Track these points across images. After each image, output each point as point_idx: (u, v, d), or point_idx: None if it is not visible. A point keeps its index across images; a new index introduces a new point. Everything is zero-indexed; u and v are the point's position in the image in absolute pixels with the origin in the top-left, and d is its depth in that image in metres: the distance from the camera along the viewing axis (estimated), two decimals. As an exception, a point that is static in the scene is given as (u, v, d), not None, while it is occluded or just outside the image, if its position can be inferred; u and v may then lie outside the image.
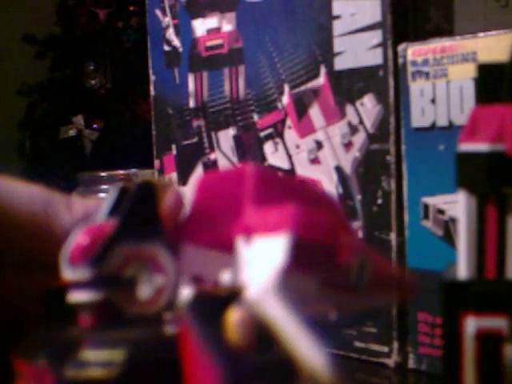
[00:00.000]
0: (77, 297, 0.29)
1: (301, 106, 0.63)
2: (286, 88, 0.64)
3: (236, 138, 0.69)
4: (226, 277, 0.29)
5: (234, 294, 0.28)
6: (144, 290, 0.29)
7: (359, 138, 0.59)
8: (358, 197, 0.60)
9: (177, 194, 0.32)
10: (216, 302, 0.28)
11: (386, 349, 0.58)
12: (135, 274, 0.29)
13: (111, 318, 0.29)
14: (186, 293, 0.30)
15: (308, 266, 0.28)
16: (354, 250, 0.29)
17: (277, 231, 0.27)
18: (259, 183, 0.30)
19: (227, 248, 0.30)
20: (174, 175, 0.75)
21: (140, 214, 0.30)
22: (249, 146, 0.68)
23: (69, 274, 0.29)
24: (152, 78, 0.77)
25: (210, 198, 0.32)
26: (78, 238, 0.29)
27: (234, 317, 0.25)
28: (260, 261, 0.28)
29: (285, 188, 0.31)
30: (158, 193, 0.30)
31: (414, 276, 0.34)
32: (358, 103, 0.59)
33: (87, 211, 0.35)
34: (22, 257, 0.34)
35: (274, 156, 0.66)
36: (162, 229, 0.30)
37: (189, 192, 0.32)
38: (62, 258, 0.29)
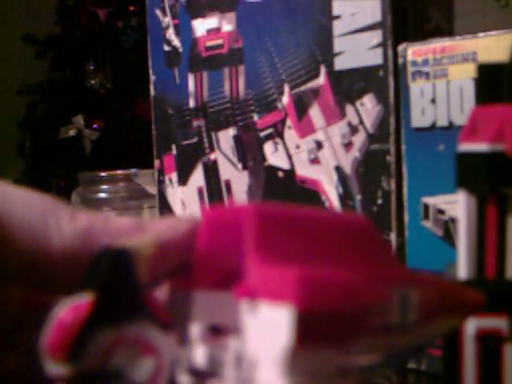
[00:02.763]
0: None
1: (301, 106, 0.63)
2: (286, 88, 0.64)
3: (236, 138, 0.69)
4: (232, 346, 0.26)
5: None
6: (135, 379, 0.26)
7: (359, 138, 0.59)
8: (358, 197, 0.60)
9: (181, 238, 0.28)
10: None
11: (385, 349, 0.58)
12: (122, 361, 0.26)
13: None
14: (200, 352, 0.27)
15: (322, 337, 0.24)
16: (391, 287, 0.26)
17: (280, 299, 0.24)
18: (264, 228, 0.26)
19: (233, 285, 0.27)
20: (173, 175, 0.75)
21: (118, 291, 0.26)
22: (250, 146, 0.68)
23: (49, 368, 0.25)
24: (152, 78, 0.77)
25: (215, 237, 0.28)
26: (54, 324, 0.25)
27: None
28: (265, 335, 0.25)
29: (290, 230, 0.27)
30: (136, 260, 0.26)
31: (478, 291, 0.31)
32: (357, 103, 0.59)
33: (92, 226, 0.31)
34: (12, 267, 0.31)
35: (274, 156, 0.66)
36: (145, 302, 0.26)
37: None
38: (42, 348, 0.26)
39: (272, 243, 0.26)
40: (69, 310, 0.26)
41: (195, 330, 0.27)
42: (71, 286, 0.30)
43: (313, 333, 0.24)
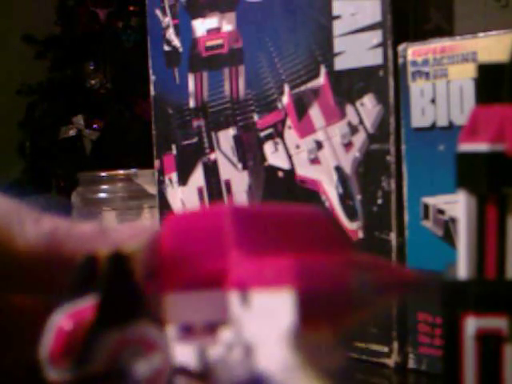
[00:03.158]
0: None
1: (301, 106, 0.63)
2: (286, 88, 0.64)
3: (236, 138, 0.69)
4: (226, 336, 0.27)
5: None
6: (142, 377, 0.26)
7: (359, 138, 0.59)
8: (358, 197, 0.60)
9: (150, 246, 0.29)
10: None
11: (385, 349, 0.58)
12: (128, 361, 0.26)
13: None
14: (184, 352, 0.27)
15: (319, 319, 0.26)
16: (354, 270, 0.28)
17: (277, 286, 0.26)
18: (240, 225, 0.28)
19: (210, 284, 0.28)
20: (173, 175, 0.75)
21: (118, 293, 0.26)
22: (250, 146, 0.68)
23: (52, 375, 0.26)
24: (152, 78, 0.77)
25: (182, 239, 0.29)
26: (55, 331, 0.26)
27: None
28: (264, 321, 0.26)
29: (269, 226, 0.28)
30: (132, 263, 0.27)
31: (412, 270, 0.33)
32: (358, 103, 0.59)
33: (56, 230, 0.32)
34: None
35: (274, 156, 0.66)
36: (144, 302, 0.27)
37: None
38: (43, 355, 0.26)
39: (250, 239, 0.28)
40: (69, 316, 0.26)
41: (172, 331, 0.28)
42: (37, 288, 0.31)
43: (311, 313, 0.26)
